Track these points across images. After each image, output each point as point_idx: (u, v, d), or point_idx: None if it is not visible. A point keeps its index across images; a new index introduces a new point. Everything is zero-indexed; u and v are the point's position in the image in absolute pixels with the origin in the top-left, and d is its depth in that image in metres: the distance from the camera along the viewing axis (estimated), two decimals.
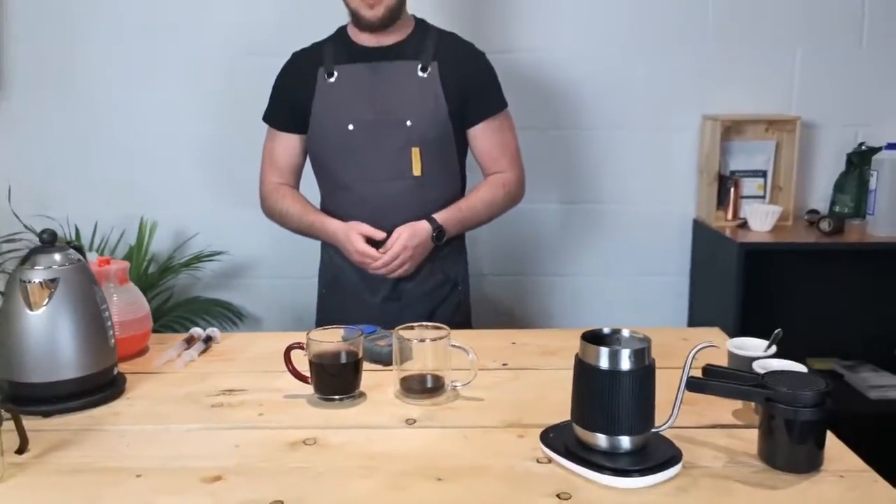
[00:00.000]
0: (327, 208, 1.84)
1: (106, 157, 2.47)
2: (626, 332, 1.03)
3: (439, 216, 1.75)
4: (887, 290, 2.45)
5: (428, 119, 1.73)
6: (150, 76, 2.42)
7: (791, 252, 2.38)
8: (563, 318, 2.53)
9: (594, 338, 1.02)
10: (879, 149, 2.29)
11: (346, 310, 1.81)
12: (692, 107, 2.42)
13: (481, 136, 1.81)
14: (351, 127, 1.74)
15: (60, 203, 2.44)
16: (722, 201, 2.40)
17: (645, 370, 0.98)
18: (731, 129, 2.39)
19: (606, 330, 1.04)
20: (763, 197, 2.43)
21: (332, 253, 1.85)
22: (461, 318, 1.85)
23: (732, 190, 2.39)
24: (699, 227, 2.46)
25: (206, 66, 2.41)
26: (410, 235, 1.71)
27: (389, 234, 1.72)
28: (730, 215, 2.39)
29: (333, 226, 1.76)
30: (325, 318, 1.88)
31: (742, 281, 2.17)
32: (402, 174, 1.74)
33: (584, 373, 1.00)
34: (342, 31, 1.82)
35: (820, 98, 2.41)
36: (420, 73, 1.74)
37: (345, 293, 1.84)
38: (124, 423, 1.18)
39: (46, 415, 1.17)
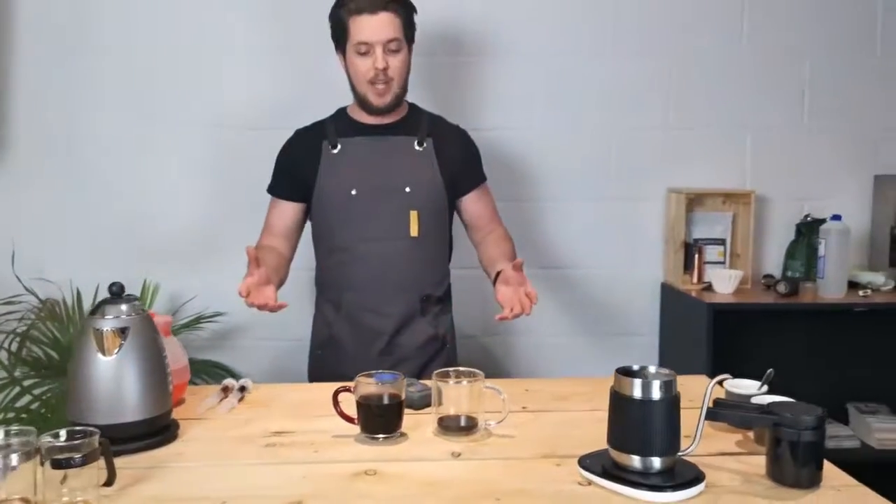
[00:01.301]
0: (325, 270, 1.97)
1: (106, 221, 2.54)
2: (652, 368, 1.19)
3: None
4: (838, 346, 2.69)
5: (425, 186, 1.92)
6: (152, 143, 2.53)
7: (753, 312, 2.60)
8: (547, 375, 2.67)
9: (626, 372, 1.18)
10: (824, 220, 2.55)
11: (341, 366, 1.89)
12: (658, 181, 2.66)
13: (473, 202, 2.03)
14: (354, 192, 1.90)
15: (61, 266, 2.50)
16: (688, 266, 2.63)
17: (673, 399, 1.14)
18: (694, 201, 2.64)
19: (635, 367, 1.20)
20: (723, 262, 2.67)
21: (325, 312, 1.97)
22: None
23: (697, 256, 2.62)
24: (667, 290, 2.67)
25: (205, 137, 2.54)
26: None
27: (383, 291, 1.87)
28: (695, 279, 2.62)
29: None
30: (319, 376, 1.97)
31: (712, 338, 2.37)
32: (400, 235, 1.90)
33: (620, 402, 1.15)
34: (342, 111, 2.01)
35: (770, 174, 2.69)
36: (417, 147, 1.94)
37: (340, 349, 1.94)
38: (189, 461, 1.26)
39: (114, 454, 1.25)
